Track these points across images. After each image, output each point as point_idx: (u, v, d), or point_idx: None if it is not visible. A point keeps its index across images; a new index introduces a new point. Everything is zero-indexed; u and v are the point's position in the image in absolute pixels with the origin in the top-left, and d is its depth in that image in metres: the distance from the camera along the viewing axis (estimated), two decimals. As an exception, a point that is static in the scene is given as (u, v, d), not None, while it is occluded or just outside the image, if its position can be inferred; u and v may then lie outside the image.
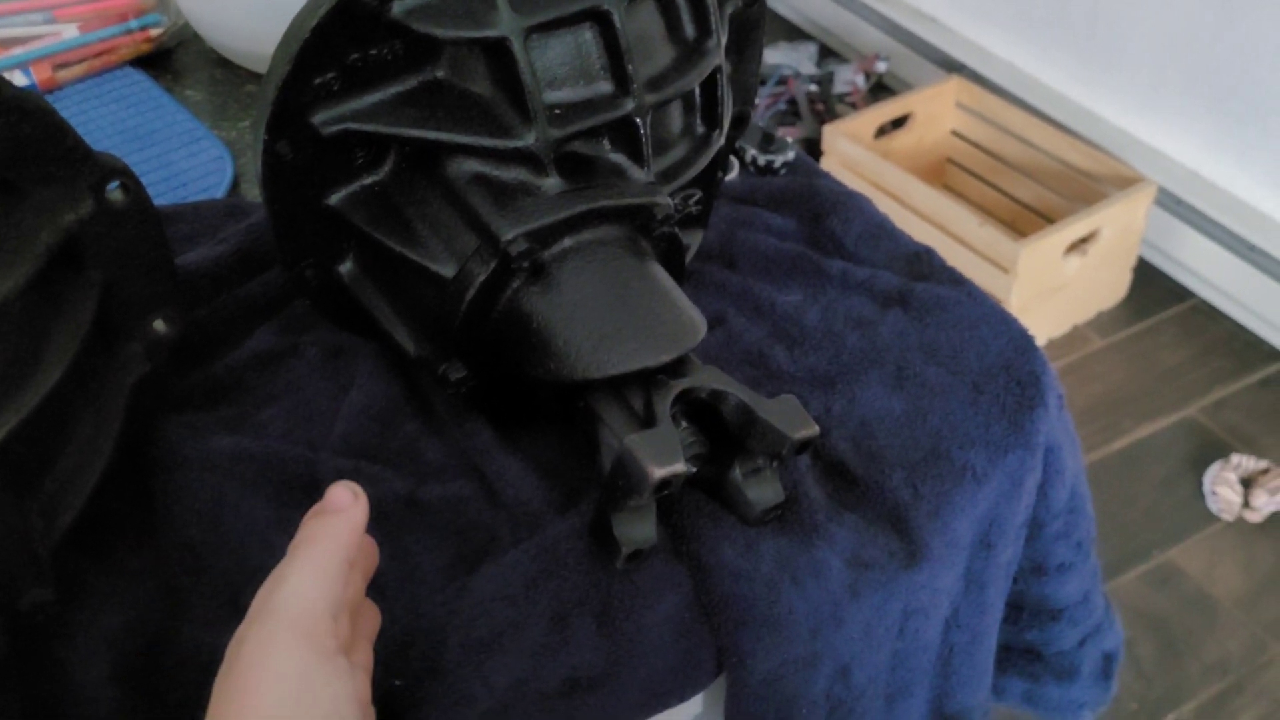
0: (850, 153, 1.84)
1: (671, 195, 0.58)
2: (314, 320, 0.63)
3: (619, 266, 0.52)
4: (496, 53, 0.50)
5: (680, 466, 0.45)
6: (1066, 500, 0.64)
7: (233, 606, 0.51)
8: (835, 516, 0.54)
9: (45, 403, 0.46)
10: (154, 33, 0.88)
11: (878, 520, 0.55)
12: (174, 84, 0.87)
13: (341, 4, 0.49)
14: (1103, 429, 1.67)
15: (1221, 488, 1.56)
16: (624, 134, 0.53)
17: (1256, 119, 1.73)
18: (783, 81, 2.09)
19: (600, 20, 0.52)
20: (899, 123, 1.95)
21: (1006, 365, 0.61)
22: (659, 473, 0.45)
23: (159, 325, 0.54)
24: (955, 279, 0.66)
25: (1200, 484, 1.59)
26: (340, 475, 0.56)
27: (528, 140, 0.51)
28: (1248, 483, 1.57)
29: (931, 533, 0.55)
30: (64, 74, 0.85)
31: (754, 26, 0.62)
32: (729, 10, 0.59)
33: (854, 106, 2.12)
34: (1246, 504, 1.54)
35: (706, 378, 0.50)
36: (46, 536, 0.48)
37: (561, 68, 0.52)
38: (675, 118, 0.58)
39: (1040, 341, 1.80)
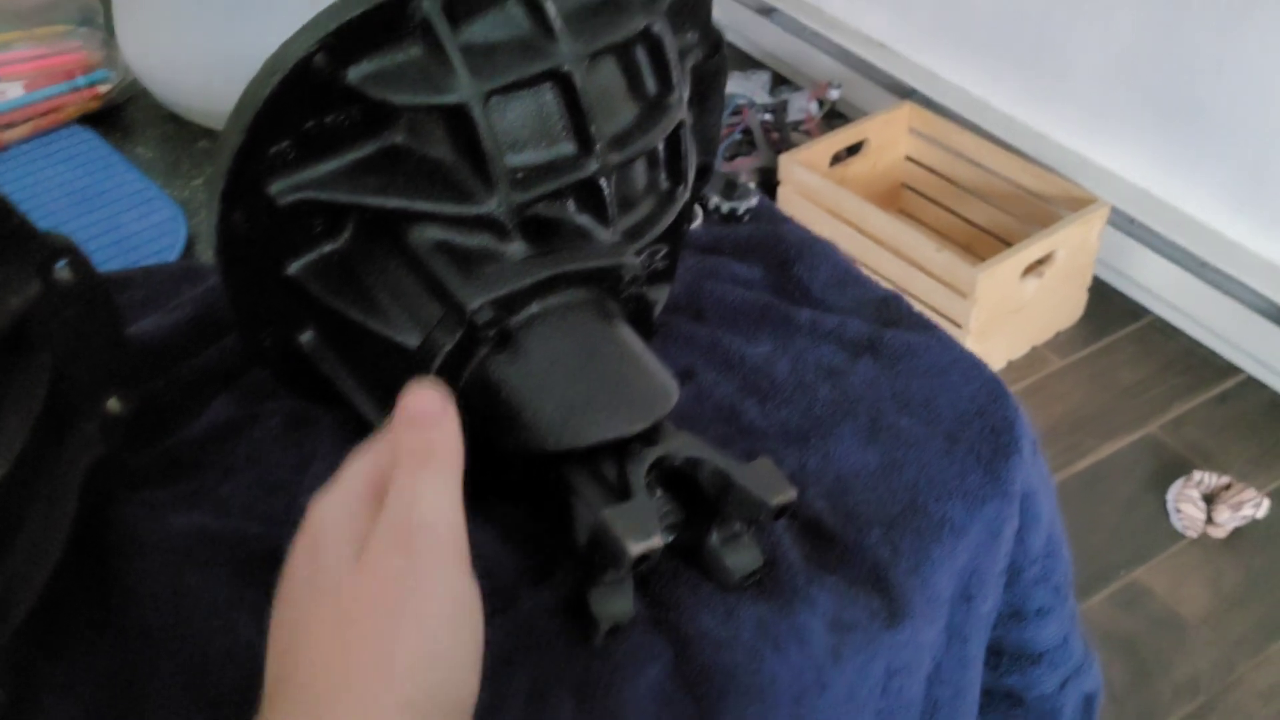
0: (807, 181, 1.85)
1: (638, 252, 0.57)
2: (274, 388, 0.61)
3: (587, 332, 0.51)
4: (456, 117, 0.49)
5: (658, 541, 0.44)
6: (1044, 545, 0.63)
7: (193, 695, 0.49)
8: (815, 579, 0.53)
9: (-5, 493, 0.44)
10: (102, 89, 0.86)
11: (858, 580, 0.54)
12: (124, 141, 0.85)
13: (295, 72, 0.47)
14: (1066, 449, 1.68)
15: (1185, 505, 1.57)
16: (588, 195, 0.53)
17: (1201, 137, 1.76)
18: (738, 111, 2.09)
19: (561, 81, 0.51)
20: (854, 149, 1.97)
21: (980, 412, 0.60)
22: (637, 548, 0.44)
23: (113, 404, 0.52)
24: (924, 324, 0.66)
25: (1164, 502, 1.60)
26: (305, 551, 0.55)
27: (490, 206, 0.50)
28: (1210, 499, 1.58)
29: (912, 589, 0.54)
30: (9, 134, 0.83)
31: (715, 77, 0.61)
32: (690, 63, 0.59)
33: (809, 134, 2.13)
34: (1210, 520, 1.56)
35: (681, 444, 0.49)
36: (1, 628, 0.46)
37: (523, 130, 0.51)
38: (640, 175, 0.57)
39: (1000, 364, 1.82)
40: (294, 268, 0.53)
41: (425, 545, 0.37)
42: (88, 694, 0.49)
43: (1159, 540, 1.56)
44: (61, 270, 0.48)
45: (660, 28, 0.54)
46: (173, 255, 0.74)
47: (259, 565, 0.54)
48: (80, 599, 0.52)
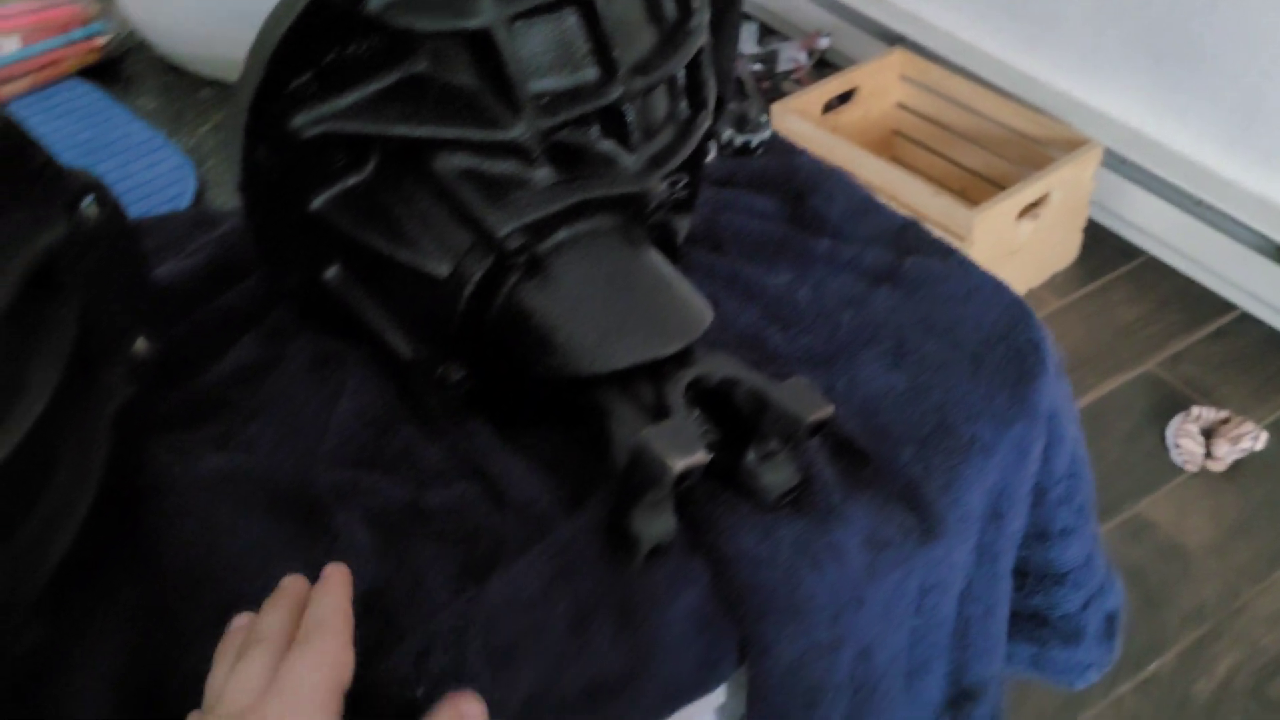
0: (799, 129, 1.84)
1: (660, 181, 0.57)
2: (298, 328, 0.61)
3: (617, 257, 0.51)
4: (479, 43, 0.49)
5: (701, 456, 0.44)
6: (1068, 465, 0.64)
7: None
8: (850, 496, 0.53)
9: (28, 437, 0.44)
10: (100, 42, 0.85)
11: (891, 498, 0.54)
12: (125, 93, 0.84)
13: (314, 3, 0.47)
14: (1066, 389, 1.69)
15: (1184, 440, 1.58)
16: (612, 121, 0.52)
17: (1193, 75, 1.76)
18: (727, 61, 2.08)
19: (582, 6, 0.50)
20: (845, 98, 1.96)
21: (1004, 335, 0.61)
22: (680, 464, 0.44)
23: (140, 346, 0.52)
24: (944, 250, 0.66)
25: (1163, 437, 1.61)
26: (336, 486, 0.54)
27: (516, 132, 0.49)
28: (1209, 433, 1.60)
29: (945, 507, 0.54)
30: (7, 89, 0.82)
31: (730, 5, 0.61)
32: (706, -11, 0.58)
33: (799, 84, 2.12)
34: (1209, 454, 1.57)
35: (716, 365, 0.49)
36: (36, 573, 0.46)
37: (546, 56, 0.51)
38: (661, 102, 0.56)
39: (998, 307, 1.83)
40: (318, 202, 0.52)
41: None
42: (128, 635, 0.49)
43: (1160, 474, 1.57)
44: (88, 208, 0.47)
45: (679, -50, 0.53)
46: (183, 203, 0.73)
47: (290, 501, 0.54)
48: (115, 541, 0.52)
